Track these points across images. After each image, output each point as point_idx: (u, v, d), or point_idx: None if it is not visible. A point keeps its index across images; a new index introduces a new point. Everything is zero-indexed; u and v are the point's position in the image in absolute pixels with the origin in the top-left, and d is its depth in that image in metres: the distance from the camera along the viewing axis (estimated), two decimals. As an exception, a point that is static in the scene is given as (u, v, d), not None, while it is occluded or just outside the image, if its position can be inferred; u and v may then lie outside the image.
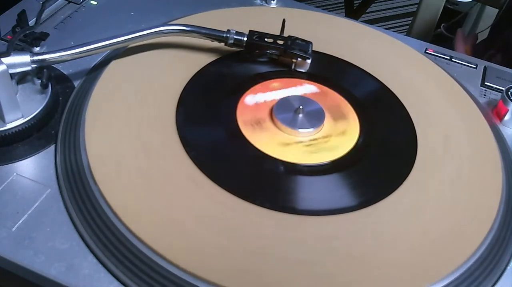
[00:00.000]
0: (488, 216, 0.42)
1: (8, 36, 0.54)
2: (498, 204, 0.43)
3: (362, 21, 0.67)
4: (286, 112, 0.48)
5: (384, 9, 1.91)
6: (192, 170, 0.43)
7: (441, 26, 1.05)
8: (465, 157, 0.48)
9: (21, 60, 0.44)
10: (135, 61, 0.52)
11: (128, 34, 0.49)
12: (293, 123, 0.47)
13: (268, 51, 0.53)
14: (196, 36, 0.52)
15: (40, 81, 0.46)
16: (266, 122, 0.48)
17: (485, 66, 0.61)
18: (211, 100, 0.50)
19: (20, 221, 0.39)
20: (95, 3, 0.62)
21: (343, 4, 1.69)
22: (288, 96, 0.50)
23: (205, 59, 0.54)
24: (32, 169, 0.43)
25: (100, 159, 0.42)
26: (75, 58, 0.47)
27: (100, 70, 0.50)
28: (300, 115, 0.48)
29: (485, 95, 0.57)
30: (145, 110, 0.47)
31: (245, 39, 0.52)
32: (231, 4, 0.63)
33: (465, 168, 0.46)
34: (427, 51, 0.62)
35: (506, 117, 0.53)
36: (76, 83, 0.50)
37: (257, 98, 0.50)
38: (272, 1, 0.65)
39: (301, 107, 0.48)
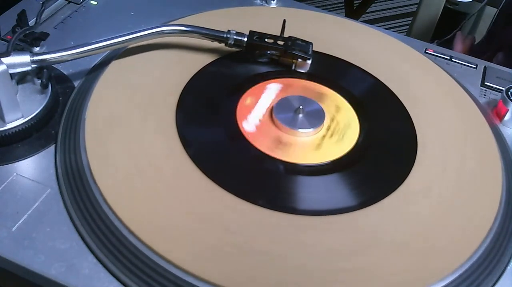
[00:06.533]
0: (488, 216, 0.42)
1: (8, 36, 0.54)
2: (498, 204, 0.43)
3: (362, 21, 0.67)
4: (286, 112, 0.48)
5: (384, 9, 1.91)
6: (192, 170, 0.43)
7: (434, 42, 1.05)
8: (465, 157, 0.47)
9: (21, 60, 0.44)
10: (135, 61, 0.52)
11: (128, 35, 0.49)
12: (293, 123, 0.47)
13: (268, 52, 0.53)
14: (196, 37, 0.52)
15: (40, 81, 0.46)
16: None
17: (485, 66, 0.61)
18: (211, 101, 0.50)
19: (20, 221, 0.39)
20: (95, 3, 0.62)
21: (343, 4, 1.69)
22: (288, 96, 0.50)
23: (205, 59, 0.54)
24: (32, 169, 0.43)
25: (100, 159, 0.42)
26: (75, 58, 0.47)
27: (100, 70, 0.50)
28: (300, 115, 0.48)
29: (485, 95, 0.57)
30: (145, 110, 0.47)
31: (245, 39, 0.52)
32: (231, 4, 0.63)
33: (465, 168, 0.46)
34: (427, 51, 0.62)
35: (506, 117, 0.53)
36: (76, 83, 0.50)
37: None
38: (272, 1, 0.65)
39: (301, 107, 0.48)
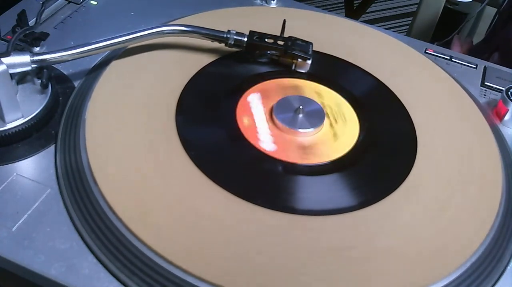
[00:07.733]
0: (488, 216, 0.42)
1: (8, 36, 0.54)
2: (498, 204, 0.43)
3: (362, 21, 0.67)
4: (286, 112, 0.48)
5: (384, 9, 1.91)
6: (192, 170, 0.43)
7: (434, 43, 1.05)
8: (465, 157, 0.48)
9: (21, 60, 0.44)
10: (135, 61, 0.52)
11: (128, 35, 0.49)
12: (293, 123, 0.47)
13: (268, 52, 0.53)
14: (196, 37, 0.52)
15: (40, 81, 0.46)
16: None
17: (485, 66, 0.61)
18: (211, 101, 0.50)
19: (20, 221, 0.39)
20: (95, 3, 0.62)
21: (343, 4, 1.69)
22: (288, 96, 0.50)
23: (205, 59, 0.54)
24: (32, 169, 0.43)
25: (100, 159, 0.42)
26: (75, 58, 0.47)
27: (100, 71, 0.50)
28: (300, 115, 0.48)
29: (485, 95, 0.57)
30: (145, 110, 0.47)
31: (245, 39, 0.52)
32: (231, 4, 0.63)
33: (465, 168, 0.46)
34: (427, 51, 0.62)
35: (506, 117, 0.53)
36: (76, 83, 0.50)
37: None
38: (272, 1, 0.65)
39: (301, 107, 0.48)
